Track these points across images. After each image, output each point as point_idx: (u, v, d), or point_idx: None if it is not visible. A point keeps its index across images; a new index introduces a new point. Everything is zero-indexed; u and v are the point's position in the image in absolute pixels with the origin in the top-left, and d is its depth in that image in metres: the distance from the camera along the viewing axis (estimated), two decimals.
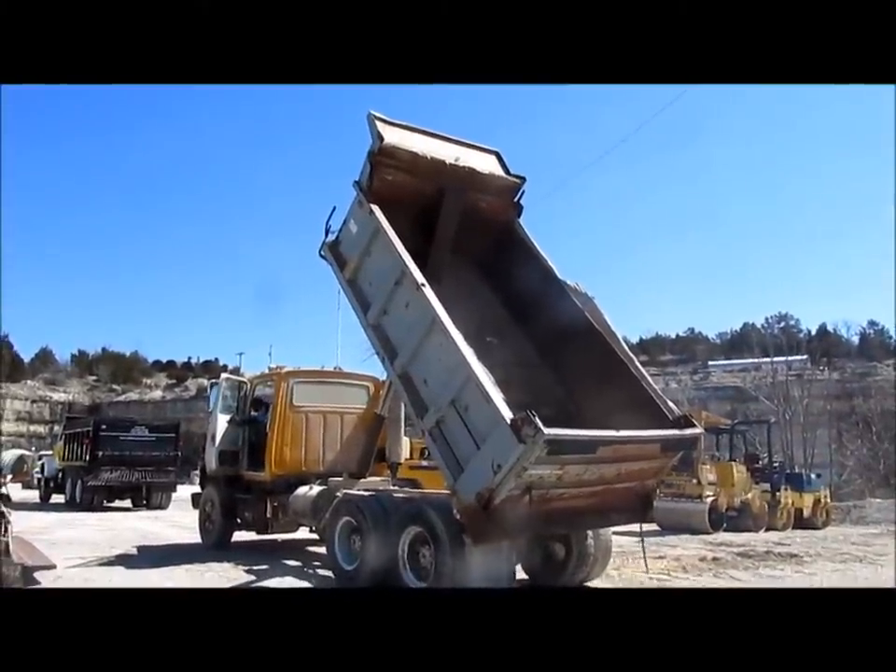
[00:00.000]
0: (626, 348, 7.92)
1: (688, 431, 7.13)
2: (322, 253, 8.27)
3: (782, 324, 57.13)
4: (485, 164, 8.63)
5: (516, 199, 8.79)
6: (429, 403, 6.80)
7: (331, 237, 8.19)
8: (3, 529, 8.26)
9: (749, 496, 17.47)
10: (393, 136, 7.86)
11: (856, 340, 63.62)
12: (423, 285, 6.91)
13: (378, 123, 7.75)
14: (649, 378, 7.69)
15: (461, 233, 8.33)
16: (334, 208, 8.17)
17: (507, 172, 8.81)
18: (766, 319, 58.58)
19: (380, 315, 7.48)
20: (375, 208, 7.58)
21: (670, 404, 7.43)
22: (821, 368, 53.05)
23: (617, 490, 7.01)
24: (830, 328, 64.19)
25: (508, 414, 5.91)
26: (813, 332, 62.36)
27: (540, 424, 5.67)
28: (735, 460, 18.46)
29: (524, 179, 8.79)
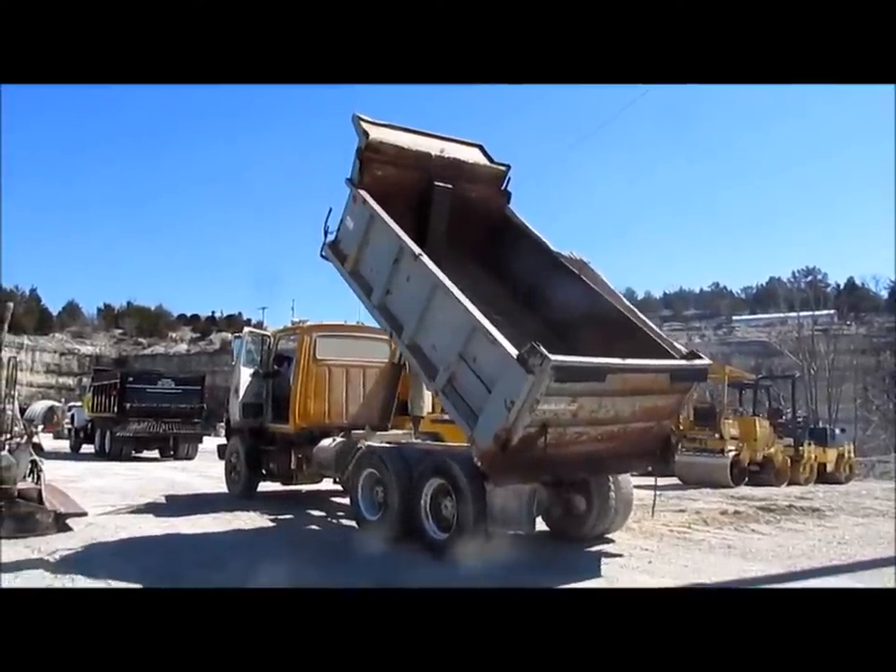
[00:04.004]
0: (627, 302, 8.09)
1: (696, 362, 7.20)
2: (323, 254, 8.58)
3: (809, 278, 56.36)
4: (470, 155, 8.97)
5: (504, 186, 9.09)
6: (439, 364, 6.94)
7: (330, 237, 8.49)
8: (36, 477, 8.50)
9: (772, 450, 17.42)
10: (378, 133, 8.22)
11: (885, 294, 62.46)
12: (420, 254, 7.16)
13: (363, 123, 8.15)
14: (653, 325, 7.81)
15: (455, 225, 8.58)
16: (330, 209, 8.48)
17: (491, 161, 9.11)
18: (793, 273, 57.87)
19: (383, 295, 7.71)
20: (366, 195, 7.88)
21: (677, 345, 7.50)
22: (848, 323, 52.33)
23: (635, 432, 7.04)
24: (858, 282, 63.12)
25: (514, 351, 6.04)
26: (841, 286, 61.40)
27: (546, 352, 5.80)
28: (758, 415, 18.38)
29: (509, 167, 9.13)
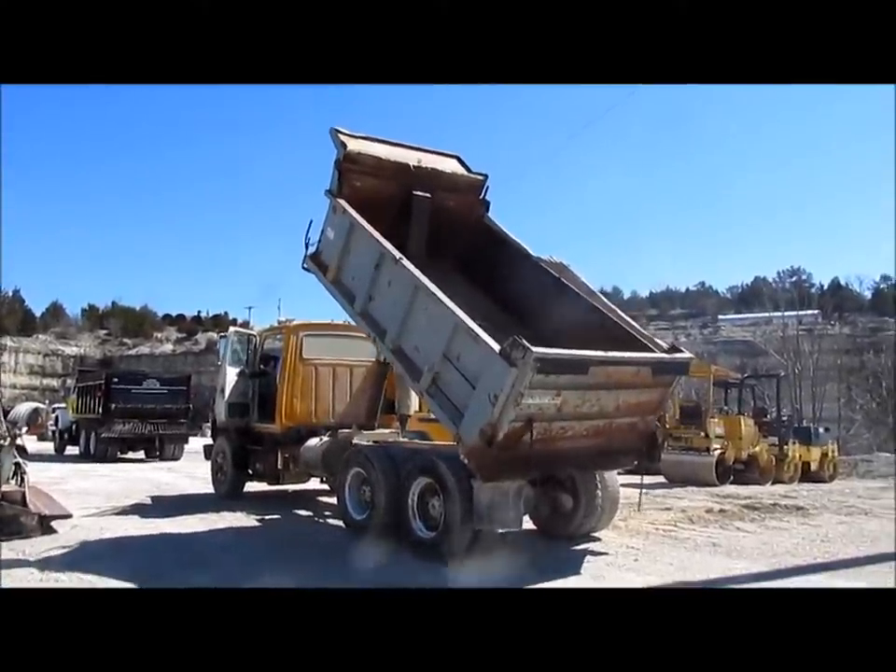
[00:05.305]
0: (607, 302, 8.25)
1: (677, 355, 7.32)
2: (305, 266, 8.70)
3: (794, 278, 56.75)
4: (447, 165, 9.12)
5: (482, 195, 9.23)
6: (423, 365, 6.99)
7: (311, 249, 8.61)
8: (20, 480, 8.41)
9: (757, 449, 17.52)
10: (356, 145, 8.37)
11: (869, 294, 63.06)
12: (400, 258, 7.28)
13: (340, 135, 8.30)
14: (633, 323, 7.93)
15: (435, 234, 8.70)
16: (311, 222, 8.62)
17: (469, 171, 9.26)
18: (778, 273, 58.24)
19: (366, 302, 7.82)
20: (346, 204, 8.02)
21: (658, 341, 7.63)
22: (832, 322, 52.75)
23: (620, 427, 7.13)
24: (843, 282, 63.70)
25: (496, 345, 6.11)
26: (825, 287, 61.90)
27: (528, 344, 5.86)
28: (743, 414, 18.49)
29: (486, 176, 9.28)
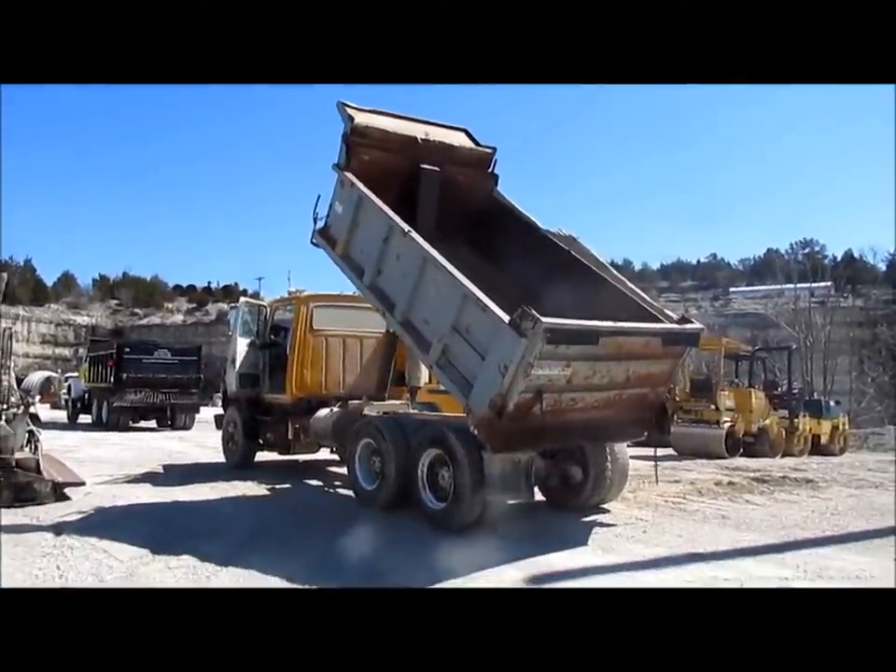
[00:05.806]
0: (617, 274, 8.21)
1: (688, 326, 7.31)
2: (314, 241, 8.66)
3: (807, 250, 56.18)
4: (455, 139, 9.05)
5: (491, 169, 9.17)
6: (432, 338, 6.98)
7: (320, 223, 8.58)
8: (34, 447, 8.51)
9: (767, 422, 17.49)
10: (363, 118, 8.32)
11: (883, 266, 62.28)
12: (409, 231, 7.25)
13: (348, 109, 8.29)
14: (644, 294, 7.91)
15: (443, 208, 8.65)
16: (319, 196, 8.57)
17: (477, 144, 9.20)
18: (791, 245, 57.63)
19: (374, 275, 7.80)
20: (354, 178, 7.98)
21: (668, 312, 7.60)
22: (845, 295, 52.29)
23: (630, 398, 7.11)
24: (856, 254, 62.88)
25: (505, 316, 6.09)
26: (839, 258, 61.18)
27: (538, 314, 5.84)
28: (754, 387, 18.43)
29: (495, 149, 9.19)
